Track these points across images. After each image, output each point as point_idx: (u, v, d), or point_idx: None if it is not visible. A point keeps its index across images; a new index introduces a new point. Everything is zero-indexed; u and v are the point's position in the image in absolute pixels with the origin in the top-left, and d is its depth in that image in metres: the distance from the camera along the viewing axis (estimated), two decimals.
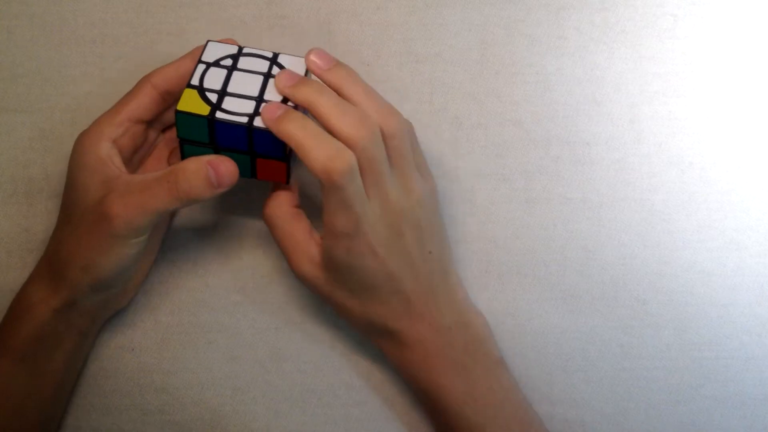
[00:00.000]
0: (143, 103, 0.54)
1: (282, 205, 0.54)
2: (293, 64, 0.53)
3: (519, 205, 0.61)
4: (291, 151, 0.53)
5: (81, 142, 0.54)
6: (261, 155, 0.53)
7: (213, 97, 0.51)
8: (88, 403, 0.59)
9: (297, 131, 0.50)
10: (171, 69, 0.54)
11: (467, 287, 0.59)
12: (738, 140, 0.61)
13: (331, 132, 0.50)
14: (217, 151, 0.52)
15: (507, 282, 0.60)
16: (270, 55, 0.54)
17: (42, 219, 0.60)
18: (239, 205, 0.60)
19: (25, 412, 0.55)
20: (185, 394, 0.59)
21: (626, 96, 0.61)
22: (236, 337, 0.60)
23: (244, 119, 0.51)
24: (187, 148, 0.53)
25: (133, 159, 0.56)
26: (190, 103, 0.51)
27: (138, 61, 0.60)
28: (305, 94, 0.51)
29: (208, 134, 0.52)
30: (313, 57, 0.53)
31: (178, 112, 0.51)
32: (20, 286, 0.56)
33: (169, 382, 0.59)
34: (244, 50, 0.54)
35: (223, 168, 0.51)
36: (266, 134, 0.51)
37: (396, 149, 0.52)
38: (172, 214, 0.60)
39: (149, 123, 0.56)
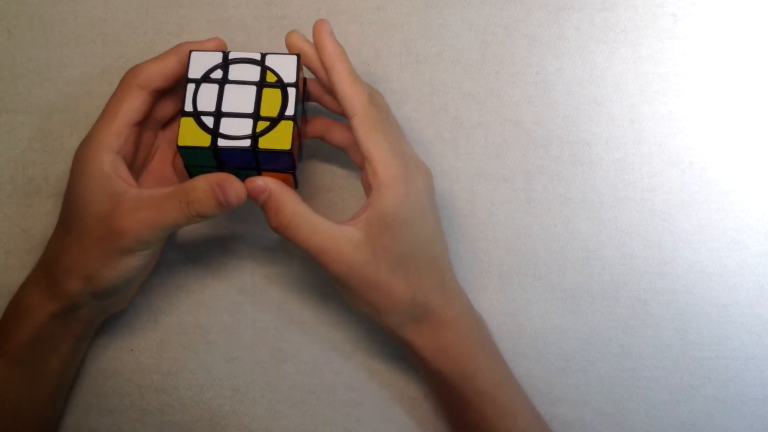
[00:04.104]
0: (135, 107, 0.53)
1: (296, 204, 0.52)
2: (283, 63, 0.52)
3: (519, 205, 0.61)
4: (296, 163, 0.53)
5: (82, 154, 0.53)
6: (267, 169, 0.53)
7: (209, 121, 0.51)
8: (88, 404, 0.59)
9: (346, 59, 0.52)
10: (155, 67, 0.53)
11: (467, 287, 0.59)
12: (738, 140, 0.61)
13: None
14: (223, 169, 0.52)
15: (507, 282, 0.60)
16: (258, 57, 0.52)
17: (41, 219, 0.60)
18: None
19: (21, 414, 0.55)
20: (185, 394, 0.59)
21: (626, 96, 0.61)
22: (236, 337, 0.60)
23: (247, 142, 0.50)
24: (194, 170, 0.53)
25: (135, 163, 0.56)
26: (189, 136, 0.51)
27: (138, 61, 0.60)
28: None
29: (214, 159, 0.52)
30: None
31: (180, 148, 0.51)
32: (19, 286, 0.55)
33: (168, 383, 0.59)
34: (231, 56, 0.52)
35: (231, 190, 0.50)
36: (271, 154, 0.51)
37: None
38: None
39: (141, 123, 0.55)
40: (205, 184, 0.50)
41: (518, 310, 0.60)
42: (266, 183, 0.51)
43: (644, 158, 0.61)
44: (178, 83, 0.54)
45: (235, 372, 0.59)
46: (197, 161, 0.52)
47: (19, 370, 0.54)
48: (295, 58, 0.52)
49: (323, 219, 0.52)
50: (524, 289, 0.60)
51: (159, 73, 0.53)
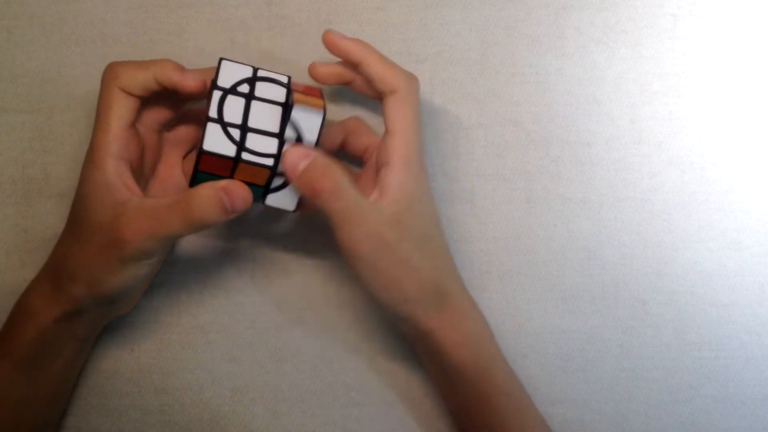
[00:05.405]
0: (124, 112, 0.53)
1: (337, 170, 0.51)
2: (307, 118, 0.52)
3: (519, 205, 0.61)
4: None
5: (88, 161, 0.53)
6: (274, 190, 0.53)
7: (236, 134, 0.51)
8: (88, 404, 0.59)
9: (372, 48, 0.54)
10: (138, 75, 0.53)
11: (467, 287, 0.59)
12: (738, 140, 0.61)
13: None
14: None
15: (507, 282, 0.60)
16: (285, 80, 0.53)
17: (41, 219, 0.60)
18: None
19: (21, 416, 0.55)
20: (185, 394, 0.59)
21: (626, 96, 0.61)
22: (235, 337, 0.60)
23: (270, 161, 0.51)
24: (201, 175, 0.52)
25: (144, 168, 0.56)
26: (215, 142, 0.51)
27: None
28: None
29: (231, 171, 0.52)
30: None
31: (205, 152, 0.51)
32: (19, 286, 0.56)
33: (168, 383, 0.59)
34: (259, 73, 0.53)
35: (238, 194, 0.50)
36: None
37: None
38: None
39: (136, 122, 0.55)
40: (209, 189, 0.50)
41: (518, 310, 0.60)
42: (307, 151, 0.51)
43: (644, 158, 0.61)
44: (161, 95, 0.54)
45: (235, 372, 0.59)
46: (212, 169, 0.52)
47: (21, 373, 0.54)
48: (321, 114, 0.52)
49: (359, 191, 0.51)
50: (524, 289, 0.60)
51: (141, 82, 0.53)
